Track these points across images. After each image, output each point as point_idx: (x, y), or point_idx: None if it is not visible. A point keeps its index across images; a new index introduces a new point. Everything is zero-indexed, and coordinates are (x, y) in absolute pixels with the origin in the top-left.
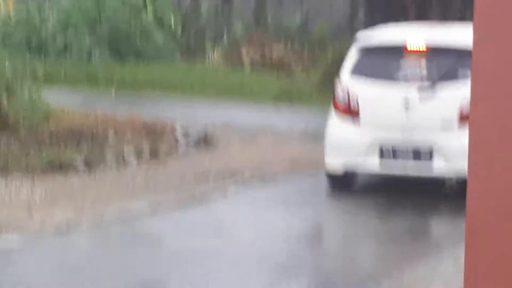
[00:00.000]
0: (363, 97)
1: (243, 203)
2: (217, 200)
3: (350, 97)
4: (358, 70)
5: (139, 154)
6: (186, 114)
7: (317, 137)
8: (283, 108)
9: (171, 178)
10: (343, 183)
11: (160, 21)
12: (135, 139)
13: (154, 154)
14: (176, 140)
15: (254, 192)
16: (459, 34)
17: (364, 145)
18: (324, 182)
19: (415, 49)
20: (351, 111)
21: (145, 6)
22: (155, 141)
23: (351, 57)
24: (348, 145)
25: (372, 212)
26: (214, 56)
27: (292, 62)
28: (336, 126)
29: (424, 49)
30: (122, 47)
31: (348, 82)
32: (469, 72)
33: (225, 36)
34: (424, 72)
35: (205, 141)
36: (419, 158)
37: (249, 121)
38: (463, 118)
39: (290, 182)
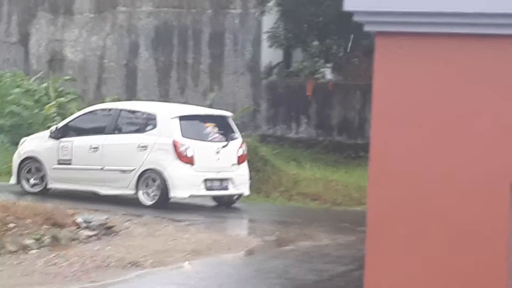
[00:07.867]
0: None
1: None
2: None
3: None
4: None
5: (40, 241)
6: (91, 201)
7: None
8: None
9: (71, 266)
10: None
11: (63, 109)
12: (36, 225)
13: (55, 241)
14: (78, 227)
15: (155, 278)
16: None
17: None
18: (226, 267)
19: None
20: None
21: (47, 94)
22: (56, 227)
23: (175, 125)
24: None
25: None
26: None
27: None
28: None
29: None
30: (24, 135)
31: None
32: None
33: None
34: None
35: (107, 228)
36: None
37: (149, 211)
38: (239, 160)
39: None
